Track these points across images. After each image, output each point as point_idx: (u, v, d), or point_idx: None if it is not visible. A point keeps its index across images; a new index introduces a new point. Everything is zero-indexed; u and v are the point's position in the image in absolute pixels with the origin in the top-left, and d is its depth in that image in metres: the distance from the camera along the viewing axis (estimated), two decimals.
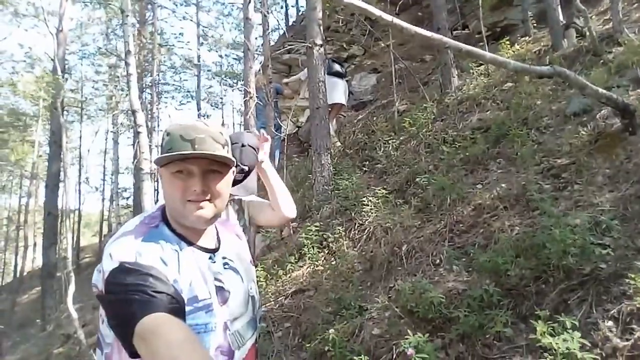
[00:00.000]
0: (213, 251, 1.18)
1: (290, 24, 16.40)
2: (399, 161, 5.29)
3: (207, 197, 1.08)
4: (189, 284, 1.06)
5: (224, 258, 1.20)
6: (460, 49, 2.93)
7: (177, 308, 0.97)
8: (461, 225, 3.47)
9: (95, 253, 17.52)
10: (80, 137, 18.66)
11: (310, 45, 5.19)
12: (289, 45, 7.90)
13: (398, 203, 4.32)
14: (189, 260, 1.09)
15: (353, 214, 4.48)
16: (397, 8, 8.89)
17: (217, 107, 19.97)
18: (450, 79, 6.17)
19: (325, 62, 6.45)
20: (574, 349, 1.86)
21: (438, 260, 3.27)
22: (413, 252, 3.54)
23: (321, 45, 5.27)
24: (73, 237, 14.68)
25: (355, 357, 2.56)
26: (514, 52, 6.15)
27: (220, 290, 1.13)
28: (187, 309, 1.02)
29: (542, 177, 3.46)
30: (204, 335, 1.05)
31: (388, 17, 2.75)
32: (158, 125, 14.30)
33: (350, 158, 6.24)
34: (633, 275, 2.10)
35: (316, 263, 4.10)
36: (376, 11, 2.73)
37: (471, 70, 6.31)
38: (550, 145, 3.86)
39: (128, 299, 0.94)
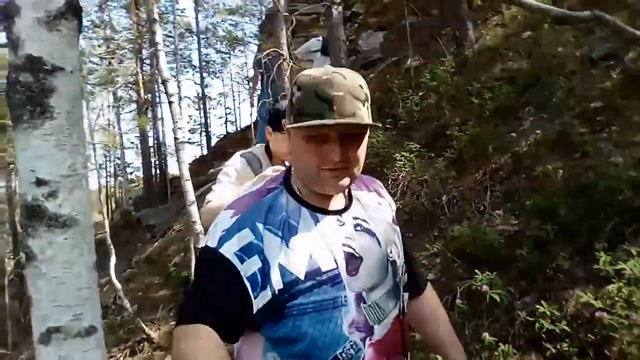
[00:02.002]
0: (341, 212, 1.04)
1: None
2: (422, 117, 5.35)
3: (343, 165, 0.94)
4: (309, 256, 0.94)
5: (355, 218, 1.05)
6: None
7: (233, 313, 0.89)
8: (501, 172, 3.59)
9: (97, 229, 17.72)
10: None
11: (329, 4, 5.14)
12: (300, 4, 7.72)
13: (430, 157, 4.43)
14: (309, 228, 0.98)
15: (386, 170, 4.59)
16: None
17: (215, 76, 19.74)
18: (465, 30, 6.14)
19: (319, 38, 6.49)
20: None
21: (482, 207, 3.41)
22: (454, 201, 3.67)
23: (339, 4, 5.23)
24: None
25: None
26: None
27: (350, 257, 0.99)
28: (308, 284, 0.92)
29: (578, 121, 3.56)
30: (333, 311, 0.93)
31: None
32: (159, 98, 14.17)
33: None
34: None
35: None
36: None
37: (488, 21, 6.27)
38: (581, 90, 3.93)
39: (191, 290, 0.93)
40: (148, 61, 12.74)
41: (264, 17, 13.72)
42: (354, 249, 0.99)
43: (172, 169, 13.14)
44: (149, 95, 12.37)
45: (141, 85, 10.64)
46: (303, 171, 0.99)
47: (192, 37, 15.70)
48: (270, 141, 2.24)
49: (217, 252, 0.89)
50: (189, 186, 4.03)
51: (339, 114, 0.88)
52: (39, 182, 0.70)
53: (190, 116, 17.06)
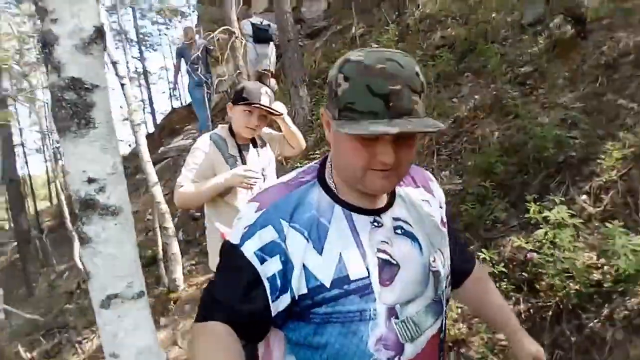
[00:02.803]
0: (380, 211, 0.92)
1: None
2: None
3: (396, 166, 0.84)
4: (337, 260, 0.85)
5: (396, 220, 0.93)
6: None
7: (251, 314, 0.84)
8: (445, 137, 3.92)
9: (53, 216, 17.07)
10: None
11: None
12: None
13: None
14: (341, 229, 0.88)
15: None
16: None
17: (153, 49, 19.00)
18: None
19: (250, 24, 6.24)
20: (564, 218, 2.40)
21: (431, 169, 3.74)
22: None
23: None
24: (34, 202, 14.22)
25: None
26: None
27: (385, 264, 0.88)
28: (334, 292, 0.84)
29: (511, 85, 3.92)
30: (359, 324, 0.84)
31: None
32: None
33: (319, 88, 6.48)
34: (603, 156, 2.64)
35: None
36: None
37: None
38: (512, 55, 4.30)
39: (210, 287, 0.90)
40: None
41: None
42: (390, 255, 0.89)
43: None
44: None
45: None
46: (346, 170, 0.87)
47: (126, 9, 15.00)
48: (232, 118, 2.39)
49: (238, 250, 0.85)
50: (150, 168, 4.11)
51: (396, 111, 0.77)
52: (90, 180, 0.87)
53: (134, 97, 16.45)
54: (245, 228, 0.86)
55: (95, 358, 4.08)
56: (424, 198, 1.01)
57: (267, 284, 0.83)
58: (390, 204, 0.93)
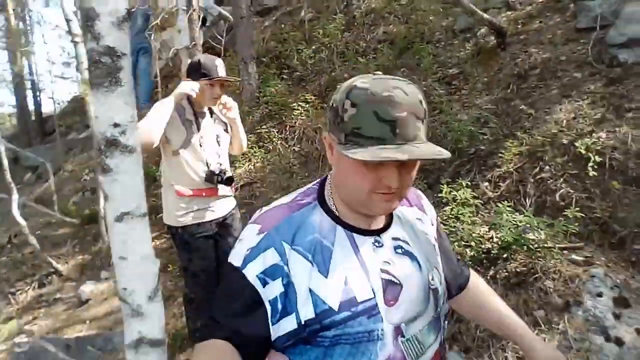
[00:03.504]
0: (380, 232, 0.94)
1: None
2: (316, 69, 5.95)
3: (399, 190, 0.87)
4: (343, 282, 0.87)
5: (395, 239, 0.95)
6: None
7: (252, 336, 0.86)
8: None
9: None
10: None
11: None
12: None
13: (322, 107, 5.09)
14: (345, 251, 0.90)
15: (284, 118, 5.16)
16: None
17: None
18: None
19: None
20: (468, 198, 2.92)
21: None
22: None
23: None
24: None
25: None
26: None
27: (389, 284, 0.90)
28: (343, 315, 0.85)
29: (439, 83, 4.45)
30: (368, 344, 0.86)
31: None
32: (31, 27, 12.70)
33: (266, 66, 6.72)
34: (504, 151, 3.21)
35: (256, 160, 4.81)
36: None
37: None
38: (443, 57, 4.84)
39: (213, 308, 0.91)
40: None
41: None
42: (393, 275, 0.91)
43: (45, 107, 12.19)
44: (20, 23, 11.12)
45: (11, 12, 9.55)
46: (350, 193, 0.89)
47: None
48: (195, 97, 2.64)
49: (240, 273, 0.87)
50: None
51: (402, 138, 0.80)
52: (115, 125, 1.16)
53: (63, 48, 15.55)
54: (247, 250, 0.88)
55: (29, 308, 4.16)
56: (418, 216, 1.05)
57: (268, 307, 0.85)
58: (388, 224, 0.96)
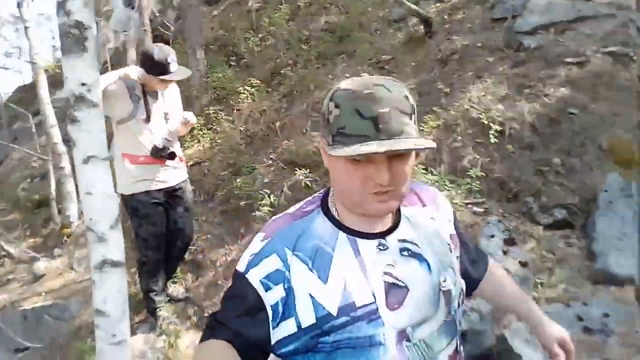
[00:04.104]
0: (385, 234, 0.93)
1: None
2: (262, 57, 6.25)
3: (391, 187, 0.85)
4: (342, 287, 0.87)
5: (401, 241, 0.93)
6: None
7: (254, 339, 0.88)
8: (319, 105, 4.76)
9: None
10: None
11: None
12: None
13: (268, 91, 5.41)
14: (345, 255, 0.89)
15: (231, 102, 5.44)
16: None
17: None
18: None
19: None
20: None
21: (305, 130, 4.56)
22: (285, 126, 4.76)
23: None
24: None
25: (260, 201, 3.79)
26: None
27: (392, 288, 0.89)
28: (341, 320, 0.85)
29: (372, 68, 4.88)
30: (370, 349, 0.85)
31: None
32: None
33: (214, 53, 6.93)
34: (424, 125, 3.67)
35: (205, 141, 5.08)
36: None
37: None
38: (379, 44, 5.27)
39: (217, 312, 0.94)
40: None
41: None
42: (396, 278, 0.89)
43: None
44: None
45: None
46: (345, 195, 0.89)
47: None
48: (145, 79, 2.88)
49: (244, 278, 0.89)
50: (49, 110, 4.32)
51: (386, 133, 0.79)
52: (83, 84, 1.46)
53: (5, 37, 14.94)
54: (251, 256, 0.91)
55: None
56: (431, 216, 1.01)
57: (270, 311, 0.87)
58: (395, 226, 0.94)
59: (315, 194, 1.03)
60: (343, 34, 5.67)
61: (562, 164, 2.99)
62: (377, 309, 0.86)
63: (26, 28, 4.20)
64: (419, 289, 0.90)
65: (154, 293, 3.33)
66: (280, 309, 0.87)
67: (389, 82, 0.86)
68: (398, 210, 0.97)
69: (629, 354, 2.13)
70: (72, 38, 1.42)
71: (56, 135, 4.36)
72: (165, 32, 6.18)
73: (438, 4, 5.47)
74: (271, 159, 4.40)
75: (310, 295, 0.86)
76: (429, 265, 0.93)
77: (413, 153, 0.88)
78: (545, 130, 3.18)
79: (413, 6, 4.74)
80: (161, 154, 2.93)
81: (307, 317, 0.86)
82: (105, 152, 1.56)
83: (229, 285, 0.95)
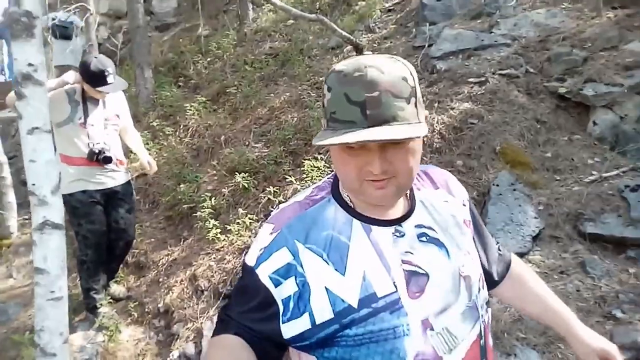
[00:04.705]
0: (401, 220, 0.89)
1: None
2: (209, 78, 6.59)
3: (388, 175, 0.81)
4: (361, 278, 0.83)
5: (418, 227, 0.90)
6: None
7: (265, 335, 0.86)
8: (261, 120, 5.13)
9: None
10: None
11: None
12: None
13: (214, 109, 5.73)
14: (362, 244, 0.86)
15: (178, 118, 5.71)
16: None
17: None
18: (246, 11, 7.57)
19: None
20: (320, 167, 3.72)
21: (247, 142, 4.89)
22: (229, 139, 5.07)
23: None
24: None
25: (202, 204, 4.03)
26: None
27: (412, 276, 0.85)
28: (363, 313, 0.81)
29: (310, 89, 5.32)
30: (394, 341, 0.81)
31: None
32: None
33: (163, 75, 7.21)
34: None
35: (151, 154, 5.28)
36: None
37: (263, 7, 7.81)
38: (317, 68, 5.74)
39: (227, 306, 0.93)
40: None
41: None
42: (417, 265, 0.86)
43: None
44: None
45: None
46: (344, 184, 0.87)
47: None
48: (85, 87, 3.08)
49: (254, 273, 0.86)
50: None
51: (374, 119, 0.75)
52: (30, 65, 1.73)
53: None
54: (260, 250, 0.87)
55: None
56: (445, 199, 0.97)
57: (280, 306, 0.84)
58: (411, 212, 0.90)
59: (324, 179, 0.98)
60: (285, 59, 6.12)
61: (463, 165, 3.45)
62: (399, 298, 0.82)
63: None
64: (439, 275, 0.87)
65: (95, 292, 3.45)
66: (292, 304, 0.84)
67: (386, 62, 0.79)
68: (412, 195, 0.93)
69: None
70: (22, 25, 1.70)
71: None
72: (114, 50, 6.41)
73: (370, 35, 6.05)
74: (214, 167, 4.68)
75: (327, 288, 0.82)
76: (447, 250, 0.90)
77: (416, 140, 0.82)
78: (451, 137, 3.65)
79: (348, 35, 5.26)
80: (97, 157, 3.10)
81: (323, 313, 0.82)
82: (48, 126, 1.82)
83: (239, 277, 0.94)
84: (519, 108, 3.74)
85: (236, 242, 3.61)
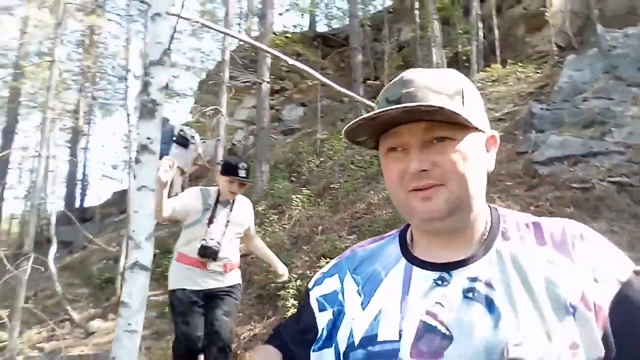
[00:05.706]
0: (451, 267, 0.73)
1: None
2: (319, 175, 7.12)
3: (434, 180, 0.69)
4: (374, 317, 0.74)
5: (472, 280, 0.71)
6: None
7: (298, 353, 0.85)
8: (357, 214, 5.33)
9: None
10: None
11: (260, 81, 6.91)
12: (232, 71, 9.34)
13: (318, 202, 6.11)
14: (393, 283, 0.76)
15: (284, 208, 6.18)
16: (322, 53, 10.99)
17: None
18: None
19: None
20: None
21: (342, 234, 5.07)
22: (326, 229, 5.32)
23: (268, 82, 7.01)
24: None
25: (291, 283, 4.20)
26: None
27: (429, 331, 0.69)
28: (359, 353, 0.73)
29: None
30: None
31: (317, 75, 4.42)
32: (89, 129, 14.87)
33: (280, 171, 7.97)
34: None
35: None
36: (311, 71, 4.40)
37: None
38: None
39: (285, 320, 0.99)
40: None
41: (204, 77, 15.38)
42: (441, 322, 0.69)
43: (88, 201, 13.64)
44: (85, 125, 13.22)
45: (81, 114, 11.54)
46: (392, 196, 0.77)
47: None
48: (219, 183, 3.27)
49: (308, 294, 0.88)
50: (131, 208, 5.27)
51: (397, 105, 0.68)
52: (148, 138, 2.19)
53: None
54: (320, 274, 0.89)
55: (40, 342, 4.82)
56: (550, 259, 0.71)
57: (319, 332, 0.83)
58: (472, 259, 0.73)
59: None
60: None
61: None
62: (398, 350, 0.69)
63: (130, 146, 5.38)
64: (467, 343, 0.66)
65: None
66: (326, 332, 0.81)
67: (433, 70, 0.76)
68: (489, 241, 0.74)
69: None
70: (147, 109, 2.19)
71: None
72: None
73: None
74: (307, 254, 4.90)
75: (353, 320, 0.77)
76: (498, 316, 0.67)
77: (469, 139, 0.71)
78: None
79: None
80: (205, 252, 3.05)
81: (342, 344, 0.78)
82: (154, 186, 2.22)
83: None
84: (630, 217, 3.41)
85: None
